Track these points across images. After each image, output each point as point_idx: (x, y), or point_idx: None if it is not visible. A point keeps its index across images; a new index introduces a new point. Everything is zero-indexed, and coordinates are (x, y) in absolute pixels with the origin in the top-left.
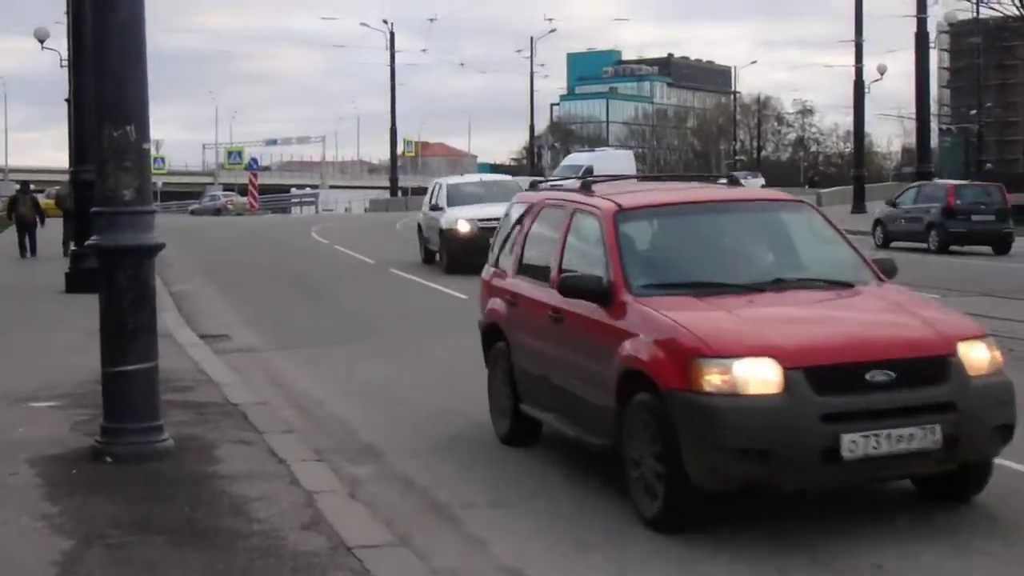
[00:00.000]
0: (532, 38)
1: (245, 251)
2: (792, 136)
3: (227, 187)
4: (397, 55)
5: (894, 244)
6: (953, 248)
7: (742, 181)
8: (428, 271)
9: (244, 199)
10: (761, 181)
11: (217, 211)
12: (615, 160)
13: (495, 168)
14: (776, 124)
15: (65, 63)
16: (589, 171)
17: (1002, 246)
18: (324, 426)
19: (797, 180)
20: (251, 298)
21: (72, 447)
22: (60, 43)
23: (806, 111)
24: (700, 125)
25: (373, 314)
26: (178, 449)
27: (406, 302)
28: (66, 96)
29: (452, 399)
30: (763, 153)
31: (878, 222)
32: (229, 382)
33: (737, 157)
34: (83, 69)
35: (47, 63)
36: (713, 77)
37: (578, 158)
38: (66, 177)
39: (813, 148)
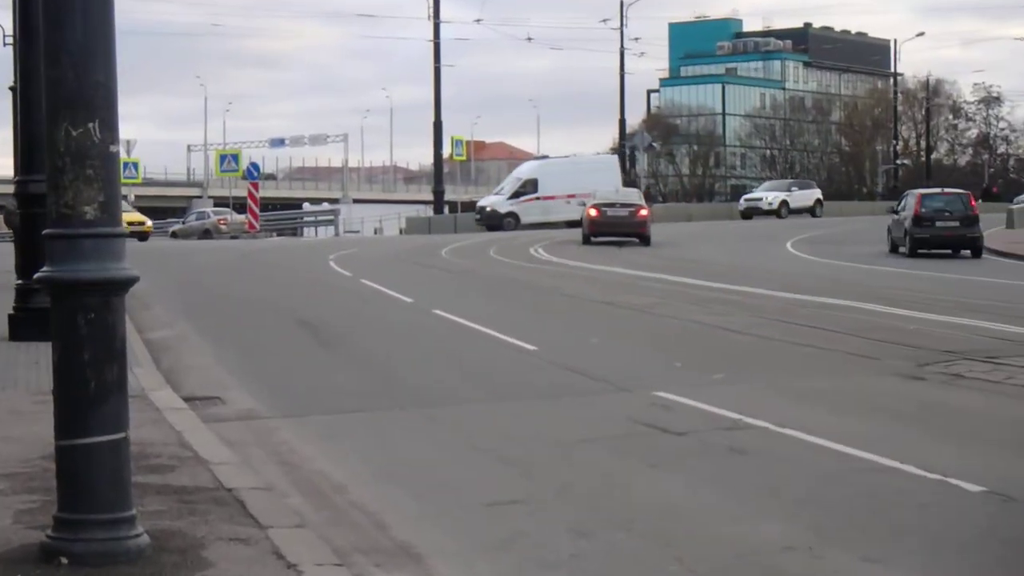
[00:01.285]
0: (622, 3)
1: (242, 286)
2: (973, 132)
3: (219, 201)
4: (442, 27)
5: None
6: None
7: (789, 191)
8: (486, 314)
9: (241, 217)
10: (816, 194)
11: (206, 232)
12: (581, 172)
13: None
14: (951, 117)
15: (8, 40)
16: (530, 185)
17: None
18: (346, 518)
19: (981, 191)
20: (250, 348)
21: (16, 543)
22: (3, 15)
23: (990, 99)
24: (849, 118)
25: (410, 370)
26: (155, 549)
27: (455, 354)
28: (10, 84)
29: (514, 485)
30: (934, 155)
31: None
32: (221, 460)
33: (899, 161)
34: (33, 48)
35: None
36: (865, 54)
37: (522, 170)
38: (9, 189)
39: (1002, 148)
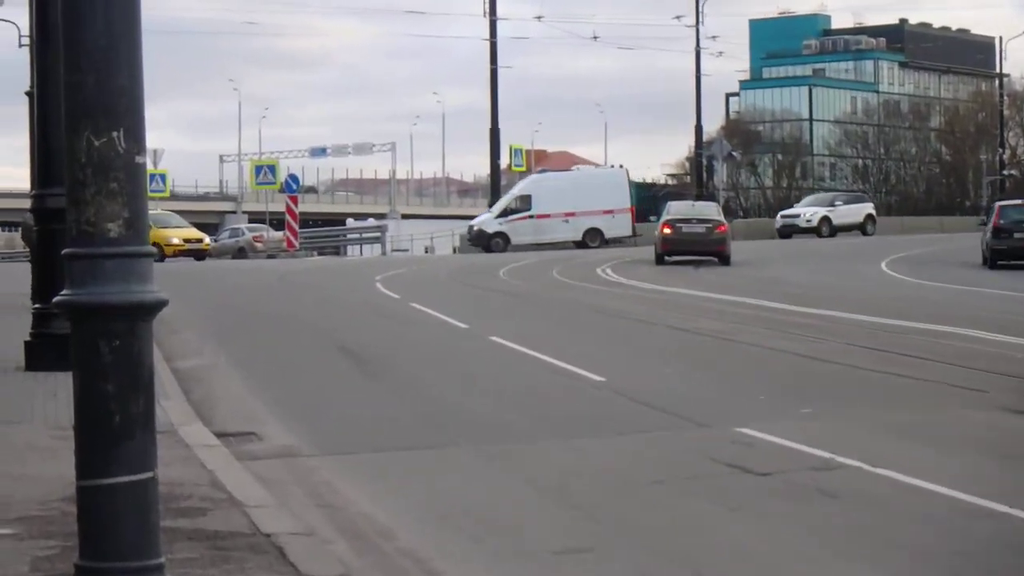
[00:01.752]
0: None
1: (280, 309)
2: None
3: (255, 217)
4: (499, 25)
5: None
6: None
7: (832, 206)
8: (548, 341)
9: (279, 234)
10: (866, 209)
11: (240, 251)
12: (582, 188)
13: (642, 188)
14: None
15: (25, 41)
16: (523, 202)
17: None
18: (393, 567)
19: None
20: (288, 379)
21: None
22: (19, 13)
23: None
24: (950, 124)
25: (464, 403)
26: None
27: (513, 385)
28: (27, 88)
29: (580, 530)
30: None
31: None
32: (258, 502)
33: (1005, 171)
34: (51, 49)
35: (1, 40)
36: (967, 53)
37: (523, 184)
38: (24, 204)
39: None
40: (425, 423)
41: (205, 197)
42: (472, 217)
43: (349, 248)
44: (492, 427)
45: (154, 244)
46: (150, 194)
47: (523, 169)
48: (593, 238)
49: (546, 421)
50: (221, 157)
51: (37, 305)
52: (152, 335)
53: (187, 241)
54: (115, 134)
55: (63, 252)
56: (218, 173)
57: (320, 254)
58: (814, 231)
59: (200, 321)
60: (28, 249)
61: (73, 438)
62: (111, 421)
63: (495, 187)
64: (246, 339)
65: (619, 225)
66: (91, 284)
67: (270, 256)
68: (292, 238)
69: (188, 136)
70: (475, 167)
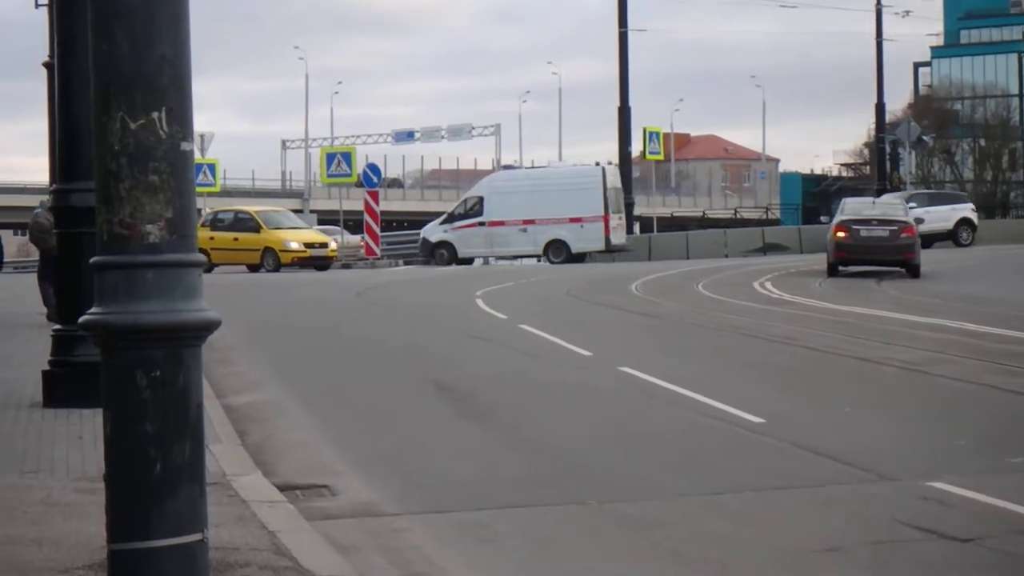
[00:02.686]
0: None
1: (358, 332)
2: None
3: (325, 217)
4: None
5: None
6: None
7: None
8: (692, 372)
9: (356, 239)
10: (962, 211)
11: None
12: (545, 191)
13: (809, 182)
14: None
15: (44, 0)
16: (474, 206)
17: None
18: None
19: None
20: (367, 419)
21: None
22: None
23: None
24: None
25: (588, 450)
26: None
27: (650, 428)
28: (45, 59)
29: None
30: None
31: None
32: (331, 572)
33: None
34: (76, 10)
35: (12, 2)
36: None
37: (478, 184)
38: (35, 202)
39: None
40: (539, 474)
41: (264, 192)
42: None
43: None
44: (624, 481)
45: (267, 250)
46: (197, 188)
47: (659, 158)
48: (557, 253)
49: (693, 473)
50: (284, 143)
51: (57, 327)
52: (201, 364)
53: (309, 246)
54: (155, 115)
55: (91, 261)
56: (280, 163)
57: (406, 263)
58: None
59: (259, 347)
60: (40, 254)
61: (103, 492)
62: (150, 471)
63: (626, 181)
64: (316, 369)
65: (589, 237)
66: (126, 300)
67: (345, 266)
68: (372, 244)
69: (244, 118)
70: (599, 154)
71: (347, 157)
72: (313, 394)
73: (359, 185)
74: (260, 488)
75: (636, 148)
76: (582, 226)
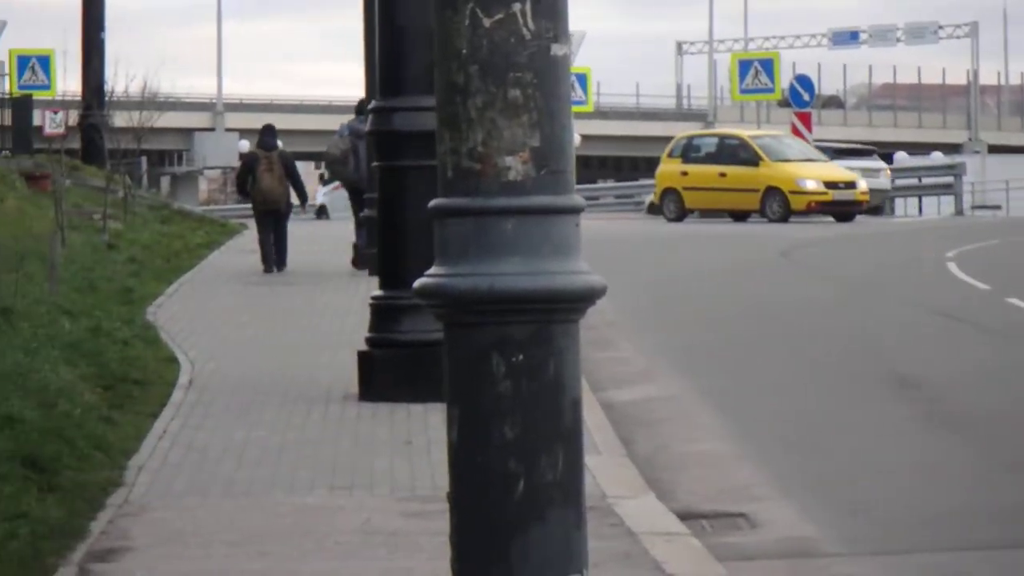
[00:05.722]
0: None
1: (780, 307)
2: None
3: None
4: None
5: None
6: None
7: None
8: None
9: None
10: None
11: None
12: None
13: None
14: None
15: None
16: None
17: None
18: None
19: None
20: (798, 425)
21: None
22: None
23: None
24: None
25: None
26: None
27: None
28: None
29: None
30: None
31: None
32: None
33: None
34: None
35: None
36: None
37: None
38: (332, 125)
39: None
40: None
41: (651, 113)
42: None
43: (897, 202)
44: None
45: (770, 190)
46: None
47: None
48: None
49: None
50: (679, 46)
51: (378, 293)
52: (578, 346)
53: (831, 186)
54: (517, 7)
55: (430, 205)
56: (674, 73)
57: (866, 214)
58: None
59: (648, 324)
60: (351, 196)
61: (441, 517)
62: (511, 490)
63: None
64: (724, 356)
65: None
66: (476, 259)
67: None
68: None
69: (623, 11)
70: None
71: (768, 66)
72: (723, 390)
73: (784, 104)
74: (653, 516)
75: None
76: None
